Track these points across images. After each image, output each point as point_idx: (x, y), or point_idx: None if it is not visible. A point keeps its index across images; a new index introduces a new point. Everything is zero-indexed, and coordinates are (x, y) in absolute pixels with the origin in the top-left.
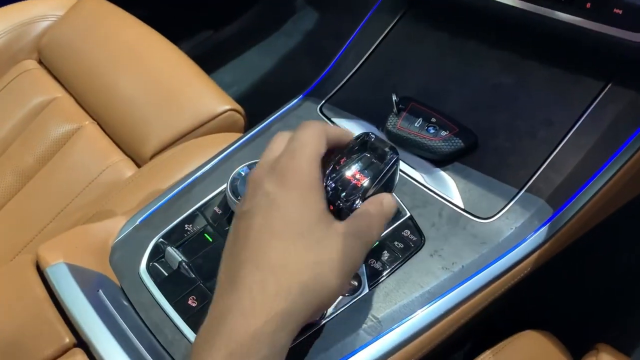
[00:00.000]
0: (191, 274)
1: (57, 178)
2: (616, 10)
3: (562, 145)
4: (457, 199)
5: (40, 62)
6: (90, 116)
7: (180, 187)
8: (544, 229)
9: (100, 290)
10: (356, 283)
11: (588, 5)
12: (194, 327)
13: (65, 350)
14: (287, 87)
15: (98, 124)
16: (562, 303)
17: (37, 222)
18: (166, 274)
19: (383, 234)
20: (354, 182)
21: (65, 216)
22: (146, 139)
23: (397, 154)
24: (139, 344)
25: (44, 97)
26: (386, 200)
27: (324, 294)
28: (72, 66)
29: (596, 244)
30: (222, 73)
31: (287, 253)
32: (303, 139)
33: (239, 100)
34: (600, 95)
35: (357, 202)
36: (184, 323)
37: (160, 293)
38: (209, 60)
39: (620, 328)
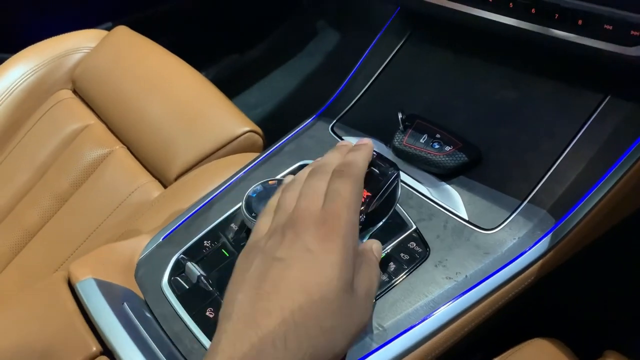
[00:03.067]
0: (209, 287)
1: (90, 200)
2: (606, 26)
3: (564, 157)
4: (462, 211)
5: (74, 92)
6: (121, 141)
7: (200, 206)
8: (546, 239)
9: (125, 303)
10: None
11: (580, 22)
12: (211, 337)
13: (92, 358)
14: (310, 105)
15: (127, 148)
16: (571, 310)
17: (72, 241)
18: (186, 288)
19: (389, 247)
20: None
21: (97, 235)
22: (171, 161)
23: (397, 170)
24: (159, 352)
25: (78, 124)
26: (375, 246)
27: (330, 357)
28: (103, 94)
29: (605, 252)
30: (248, 94)
31: (311, 314)
32: (345, 199)
33: (263, 120)
34: (600, 107)
35: (360, 216)
36: (202, 333)
37: (180, 305)
38: (234, 83)
39: (630, 336)
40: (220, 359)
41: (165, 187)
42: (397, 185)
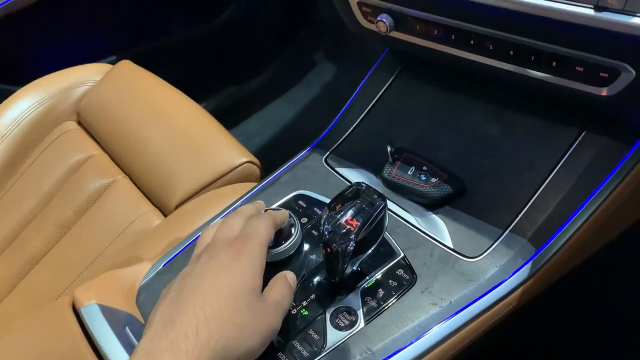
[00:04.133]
0: None
1: (92, 228)
2: (578, 68)
3: (543, 188)
4: (447, 240)
5: (79, 123)
6: (123, 171)
7: (199, 234)
8: (527, 267)
9: (127, 328)
10: (353, 318)
11: (554, 63)
12: None
13: None
14: (307, 134)
15: (130, 178)
16: (556, 335)
17: (75, 268)
18: None
19: (378, 273)
20: (347, 227)
21: (100, 262)
22: (172, 190)
23: (384, 200)
24: None
25: (82, 155)
26: (289, 276)
27: (243, 351)
28: (107, 126)
29: (590, 277)
30: (247, 124)
31: (222, 310)
32: (257, 228)
33: (262, 149)
34: (577, 141)
35: (350, 244)
36: None
37: None
38: (234, 113)
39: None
40: (138, 356)
41: (165, 215)
42: (384, 215)
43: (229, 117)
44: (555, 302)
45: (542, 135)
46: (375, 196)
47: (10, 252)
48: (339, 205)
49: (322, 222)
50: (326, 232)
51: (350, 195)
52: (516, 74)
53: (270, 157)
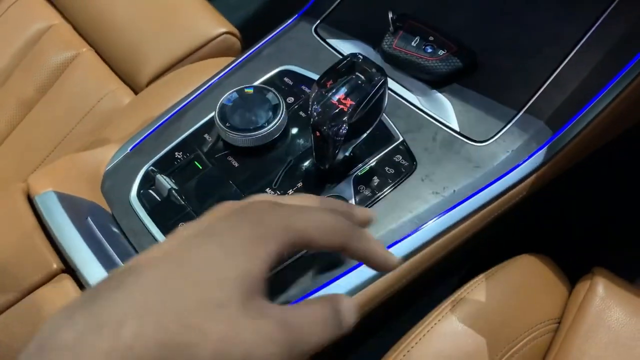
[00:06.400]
0: (181, 200)
1: (57, 107)
2: None
3: (566, 63)
4: (453, 122)
5: None
6: (88, 42)
7: (170, 114)
8: (542, 152)
9: (89, 218)
10: None
11: None
12: None
13: (52, 276)
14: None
15: (95, 50)
16: (561, 227)
17: (39, 151)
18: (157, 201)
19: (374, 160)
20: (339, 107)
21: (66, 144)
22: (142, 65)
23: (384, 75)
24: None
25: (42, 24)
26: (345, 305)
27: None
28: None
29: (597, 168)
30: None
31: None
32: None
33: (245, 22)
34: (608, 10)
35: (343, 127)
36: None
37: (150, 220)
38: None
39: (619, 253)
40: None
41: (136, 93)
42: (383, 92)
43: None
44: (563, 191)
45: (568, 3)
46: (374, 70)
47: None
48: (330, 82)
49: (310, 102)
50: (315, 113)
51: (344, 69)
52: None
53: (256, 29)
